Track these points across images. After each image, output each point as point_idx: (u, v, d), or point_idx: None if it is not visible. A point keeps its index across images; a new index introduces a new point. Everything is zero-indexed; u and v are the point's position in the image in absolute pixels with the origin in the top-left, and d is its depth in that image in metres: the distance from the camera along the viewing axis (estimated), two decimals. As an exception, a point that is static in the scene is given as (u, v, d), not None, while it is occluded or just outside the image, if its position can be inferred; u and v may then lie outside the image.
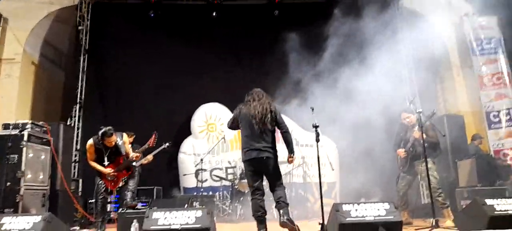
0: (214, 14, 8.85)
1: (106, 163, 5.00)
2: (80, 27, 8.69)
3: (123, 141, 5.15)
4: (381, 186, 7.67)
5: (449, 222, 4.69)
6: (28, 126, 5.53)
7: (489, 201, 3.83)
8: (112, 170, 4.98)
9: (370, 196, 7.47)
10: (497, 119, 8.34)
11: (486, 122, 8.34)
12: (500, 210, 3.69)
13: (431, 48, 9.70)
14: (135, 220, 3.70)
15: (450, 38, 9.24)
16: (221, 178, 7.97)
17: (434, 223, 4.29)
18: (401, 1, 9.29)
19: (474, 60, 8.79)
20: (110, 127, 4.91)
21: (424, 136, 4.86)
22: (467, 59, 8.98)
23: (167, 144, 6.26)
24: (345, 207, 3.78)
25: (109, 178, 4.99)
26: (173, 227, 3.56)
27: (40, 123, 5.99)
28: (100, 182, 4.97)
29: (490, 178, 5.74)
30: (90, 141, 5.04)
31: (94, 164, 5.00)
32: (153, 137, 5.49)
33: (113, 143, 4.97)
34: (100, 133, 4.87)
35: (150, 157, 6.13)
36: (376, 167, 7.79)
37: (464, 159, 6.31)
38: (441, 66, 9.36)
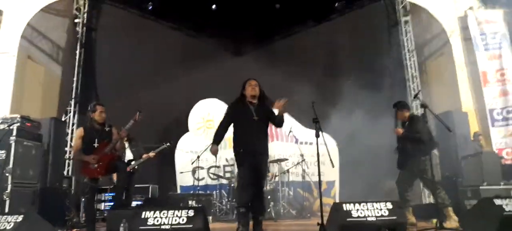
0: (213, 7, 8.61)
1: (96, 145, 4.74)
2: (76, 20, 8.53)
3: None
4: (385, 185, 7.48)
5: (453, 223, 4.49)
6: (17, 120, 5.34)
7: (497, 201, 3.63)
8: (95, 156, 4.68)
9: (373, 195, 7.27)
10: (500, 117, 8.13)
11: (489, 119, 8.12)
12: (510, 211, 3.49)
13: (434, 43, 9.54)
14: (124, 220, 3.51)
15: (453, 32, 9.01)
16: (219, 176, 7.79)
17: (438, 225, 4.08)
18: (404, -6, 9.07)
19: (477, 56, 8.58)
20: None
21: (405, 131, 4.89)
22: (470, 55, 8.77)
23: (167, 144, 6.30)
24: (346, 207, 3.60)
25: (91, 167, 4.66)
26: (163, 227, 3.39)
27: (31, 117, 5.80)
28: (85, 180, 4.74)
29: (495, 177, 5.53)
30: (80, 128, 4.89)
31: (77, 154, 4.76)
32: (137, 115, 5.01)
33: (104, 115, 4.86)
34: (90, 105, 4.89)
35: (151, 154, 6.07)
36: (380, 166, 7.62)
37: (468, 157, 6.11)
38: (444, 61, 9.15)
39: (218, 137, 4.52)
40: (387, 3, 9.17)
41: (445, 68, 9.14)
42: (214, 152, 4.45)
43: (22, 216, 3.34)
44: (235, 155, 4.46)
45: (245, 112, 4.44)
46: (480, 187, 5.42)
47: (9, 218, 3.32)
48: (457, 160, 6.37)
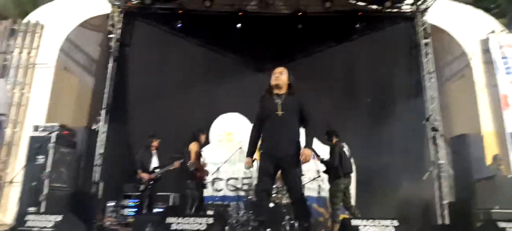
0: (238, 25, 8.99)
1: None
2: (110, 35, 9.05)
3: None
4: (399, 201, 7.60)
5: None
6: (56, 128, 5.84)
7: (501, 224, 3.79)
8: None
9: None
10: (520, 140, 8.11)
11: (509, 142, 8.11)
12: (512, 234, 3.64)
13: (454, 65, 9.61)
14: (149, 224, 3.87)
15: (474, 55, 9.07)
16: (236, 188, 8.07)
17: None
18: (425, 17, 9.20)
19: (498, 79, 8.62)
20: None
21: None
22: (491, 78, 8.81)
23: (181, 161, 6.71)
24: (354, 223, 3.82)
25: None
26: (184, 232, 3.71)
27: (67, 126, 6.30)
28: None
29: (508, 201, 5.60)
30: (194, 143, 6.15)
31: (197, 164, 5.99)
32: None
33: None
34: (197, 129, 6.23)
35: (176, 164, 6.74)
36: (395, 183, 7.74)
37: (482, 180, 6.19)
38: (464, 84, 9.20)
39: (250, 146, 3.92)
40: (407, 25, 9.32)
41: (465, 90, 9.18)
42: (248, 164, 3.87)
43: (61, 216, 3.74)
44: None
45: (269, 106, 3.90)
46: (492, 211, 5.50)
47: (50, 217, 3.73)
48: (471, 182, 6.44)
